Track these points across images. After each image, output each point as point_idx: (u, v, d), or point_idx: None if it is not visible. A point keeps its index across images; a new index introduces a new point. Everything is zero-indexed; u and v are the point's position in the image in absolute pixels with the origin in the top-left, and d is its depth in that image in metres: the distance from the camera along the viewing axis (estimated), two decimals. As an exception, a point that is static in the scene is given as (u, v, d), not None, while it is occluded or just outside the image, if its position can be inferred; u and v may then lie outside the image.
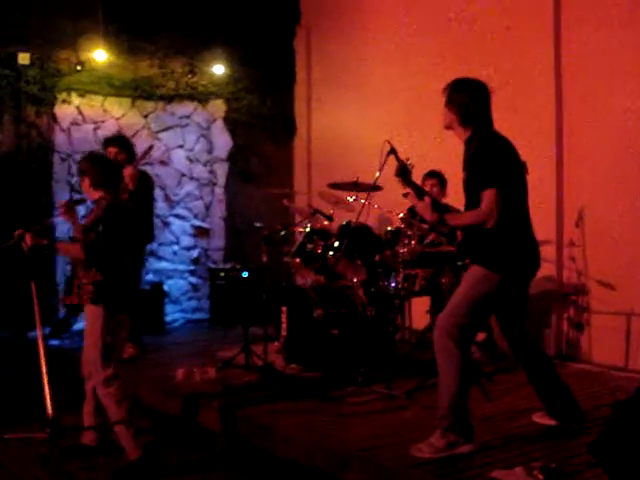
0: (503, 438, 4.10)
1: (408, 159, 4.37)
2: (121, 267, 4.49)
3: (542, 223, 6.41)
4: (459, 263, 5.66)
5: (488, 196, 3.86)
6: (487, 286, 3.95)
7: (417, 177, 6.19)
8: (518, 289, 4.15)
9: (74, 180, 8.19)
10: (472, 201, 3.97)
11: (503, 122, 5.71)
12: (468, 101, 4.03)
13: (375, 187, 5.54)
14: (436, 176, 6.32)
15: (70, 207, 4.62)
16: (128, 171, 6.26)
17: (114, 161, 6.43)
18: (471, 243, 4.09)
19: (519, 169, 4.08)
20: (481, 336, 6.67)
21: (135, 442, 4.31)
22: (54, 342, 7.44)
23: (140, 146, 7.27)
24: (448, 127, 4.16)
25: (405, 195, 4.38)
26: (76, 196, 6.65)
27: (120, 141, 6.73)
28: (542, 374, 4.26)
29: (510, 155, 4.04)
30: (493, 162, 3.93)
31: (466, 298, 3.97)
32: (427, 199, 4.10)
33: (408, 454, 3.85)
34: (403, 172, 4.25)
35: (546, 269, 6.45)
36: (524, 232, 4.08)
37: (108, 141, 6.75)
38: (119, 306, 4.50)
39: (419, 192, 4.23)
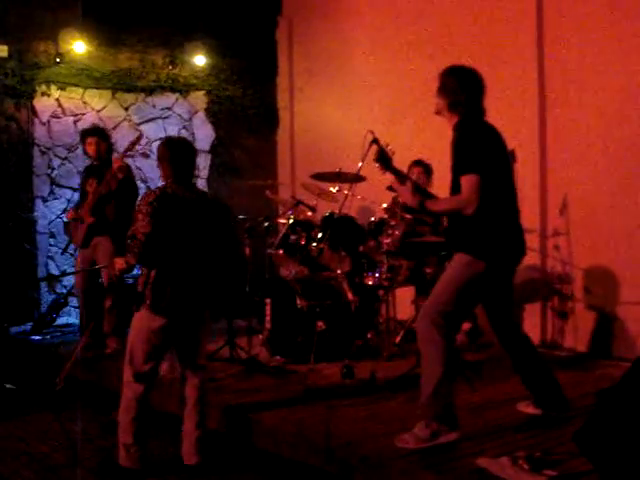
0: (488, 427, 4.09)
1: (388, 145, 4.36)
2: None
3: (526, 212, 6.34)
4: (443, 253, 5.65)
5: (468, 181, 3.84)
6: (471, 273, 3.93)
7: (401, 165, 6.22)
8: (503, 277, 4.13)
9: (54, 173, 8.12)
10: (456, 188, 3.95)
11: (486, 110, 5.67)
12: (458, 87, 4.01)
13: (358, 177, 5.52)
14: (422, 165, 6.29)
15: None
16: (117, 161, 6.25)
17: (95, 152, 6.46)
18: (455, 231, 4.07)
19: (504, 157, 4.06)
20: (466, 325, 6.68)
21: (124, 452, 4.17)
22: (36, 338, 7.38)
23: (122, 138, 7.23)
24: (438, 113, 4.14)
25: (389, 188, 4.35)
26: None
27: (99, 132, 6.64)
28: (528, 363, 4.25)
29: (494, 142, 4.01)
30: (475, 148, 3.90)
31: (450, 286, 3.95)
32: (409, 183, 4.10)
33: (393, 445, 3.84)
34: (382, 157, 4.26)
35: (530, 258, 6.43)
36: (509, 219, 4.06)
37: (87, 132, 6.66)
38: None
39: (400, 177, 4.23)
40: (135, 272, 4.44)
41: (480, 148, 3.91)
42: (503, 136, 4.08)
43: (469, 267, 3.93)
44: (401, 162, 6.25)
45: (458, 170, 3.91)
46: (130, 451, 4.15)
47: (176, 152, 4.32)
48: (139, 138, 6.63)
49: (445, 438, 3.83)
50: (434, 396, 3.84)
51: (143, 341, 4.13)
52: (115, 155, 6.62)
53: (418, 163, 6.28)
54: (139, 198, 4.33)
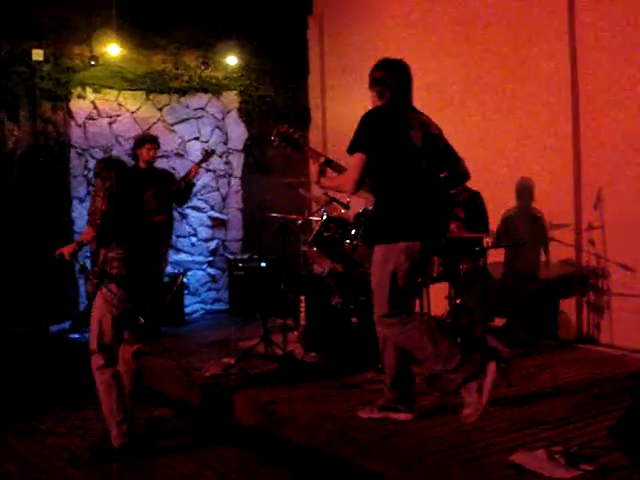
0: (523, 423, 4.07)
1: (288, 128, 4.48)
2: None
3: (560, 207, 6.44)
4: (477, 248, 5.65)
5: (351, 159, 3.98)
6: (394, 259, 3.99)
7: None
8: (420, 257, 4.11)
9: (90, 174, 8.23)
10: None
11: (519, 108, 5.77)
12: (384, 77, 4.14)
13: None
14: None
15: None
16: (196, 168, 7.25)
17: (152, 157, 7.12)
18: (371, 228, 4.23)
19: (402, 138, 4.04)
20: (500, 322, 6.68)
21: (120, 431, 4.35)
22: (75, 336, 7.50)
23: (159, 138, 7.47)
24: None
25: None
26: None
27: (156, 139, 7.27)
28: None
29: (388, 123, 4.03)
30: (362, 129, 4.01)
31: (381, 285, 4.04)
32: (320, 160, 4.30)
33: (424, 439, 3.87)
34: (286, 140, 4.44)
35: (565, 252, 6.46)
36: (412, 199, 4.04)
37: (148, 139, 7.23)
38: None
39: (314, 156, 4.41)
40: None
41: (367, 128, 4.01)
42: (421, 120, 4.15)
43: (389, 255, 4.01)
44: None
45: (348, 149, 4.02)
46: (123, 428, 4.35)
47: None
48: (213, 151, 7.52)
49: (398, 416, 4.13)
50: (393, 381, 4.16)
51: (111, 323, 4.40)
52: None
53: None
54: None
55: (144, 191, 6.75)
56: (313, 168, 4.32)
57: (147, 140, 7.22)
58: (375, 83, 4.18)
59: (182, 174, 7.48)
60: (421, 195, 4.07)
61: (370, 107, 4.21)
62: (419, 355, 4.06)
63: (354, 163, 3.96)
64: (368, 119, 4.05)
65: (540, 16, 6.50)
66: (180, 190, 7.21)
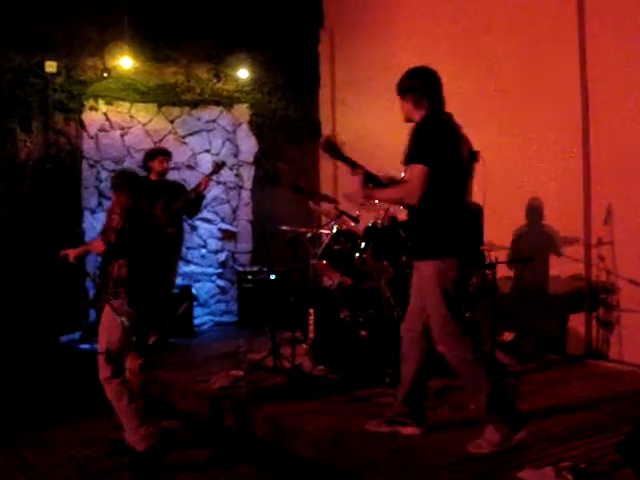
0: (531, 438, 4.06)
1: (334, 132, 4.37)
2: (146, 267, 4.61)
3: (570, 221, 6.44)
4: (486, 262, 5.66)
5: (415, 170, 3.86)
6: (448, 274, 3.92)
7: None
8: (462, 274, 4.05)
9: (102, 185, 8.28)
10: None
11: (529, 121, 5.77)
12: (420, 86, 4.08)
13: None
14: None
15: None
16: (206, 180, 7.33)
17: (164, 170, 7.25)
18: (414, 240, 4.08)
19: (458, 153, 4.00)
20: (509, 336, 6.67)
21: (140, 434, 4.39)
22: (85, 346, 7.53)
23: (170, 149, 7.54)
24: (407, 119, 4.15)
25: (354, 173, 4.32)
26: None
27: (169, 152, 7.42)
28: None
29: (448, 137, 3.98)
30: (426, 140, 3.92)
31: (438, 301, 3.92)
32: (359, 173, 4.14)
33: (437, 455, 3.86)
34: (329, 147, 4.32)
35: (575, 268, 6.45)
36: (461, 218, 4.02)
37: (161, 151, 7.40)
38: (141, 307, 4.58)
39: (352, 165, 4.25)
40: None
41: (431, 140, 3.91)
42: (464, 136, 4.09)
43: (442, 272, 3.92)
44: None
45: (407, 160, 3.93)
46: (142, 431, 4.37)
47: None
48: (224, 164, 7.63)
49: (515, 439, 3.87)
50: (492, 400, 3.87)
51: (120, 335, 4.45)
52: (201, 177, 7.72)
53: None
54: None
55: (154, 202, 6.80)
56: (356, 181, 4.19)
57: (159, 152, 7.32)
58: (410, 91, 4.10)
59: (193, 186, 7.51)
60: (468, 210, 4.10)
61: (406, 116, 4.16)
62: (470, 387, 4.01)
63: (418, 174, 3.84)
64: (430, 130, 3.96)
65: (550, 36, 6.52)
66: (191, 202, 7.26)
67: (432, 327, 4.02)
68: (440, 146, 3.91)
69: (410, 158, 3.92)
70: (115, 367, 4.47)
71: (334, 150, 4.28)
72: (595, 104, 6.26)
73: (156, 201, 6.89)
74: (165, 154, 7.31)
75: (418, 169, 3.85)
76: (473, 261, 4.15)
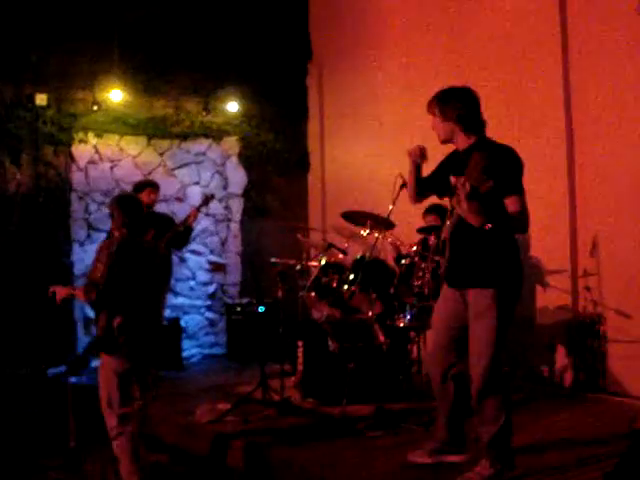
0: (519, 473, 4.07)
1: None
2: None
3: (556, 252, 6.48)
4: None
5: (518, 201, 3.79)
6: (506, 304, 3.92)
7: (418, 212, 6.28)
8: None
9: (91, 218, 8.30)
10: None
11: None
12: (467, 107, 4.01)
13: (389, 223, 5.60)
14: (436, 211, 6.30)
15: None
16: (195, 212, 7.34)
17: (151, 202, 7.21)
18: (472, 265, 3.98)
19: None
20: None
21: None
22: (73, 379, 7.48)
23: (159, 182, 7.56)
24: (446, 140, 4.11)
25: (420, 230, 4.29)
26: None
27: (156, 184, 7.41)
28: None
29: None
30: (518, 169, 3.88)
31: (490, 332, 3.89)
32: (476, 203, 3.81)
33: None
34: (423, 156, 4.28)
35: (562, 299, 6.48)
36: (516, 245, 4.04)
37: (149, 183, 7.40)
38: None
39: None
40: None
41: (520, 169, 3.90)
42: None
43: (502, 300, 3.89)
44: (430, 202, 6.37)
45: (500, 190, 3.75)
46: None
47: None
48: (213, 196, 7.63)
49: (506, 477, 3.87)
50: (497, 437, 3.87)
51: (117, 384, 4.33)
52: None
53: (432, 210, 6.27)
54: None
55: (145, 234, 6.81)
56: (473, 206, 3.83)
57: (147, 185, 7.32)
58: (454, 114, 4.01)
59: (182, 218, 7.53)
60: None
61: (443, 138, 4.12)
62: (488, 417, 3.95)
63: (523, 204, 3.81)
64: (518, 158, 3.91)
65: (536, 69, 6.61)
66: (179, 234, 7.26)
67: (474, 353, 3.96)
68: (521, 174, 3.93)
69: (511, 188, 3.82)
70: (120, 415, 4.38)
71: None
72: (580, 136, 6.33)
73: (145, 232, 6.90)
74: (153, 186, 7.31)
75: (521, 200, 3.81)
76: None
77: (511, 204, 3.79)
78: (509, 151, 3.94)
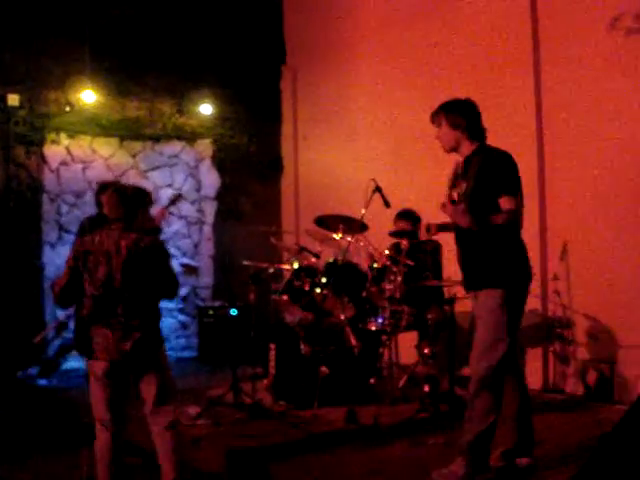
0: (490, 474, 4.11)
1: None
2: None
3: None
4: (446, 298, 5.75)
5: (511, 200, 3.95)
6: (513, 304, 4.01)
7: (391, 216, 6.33)
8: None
9: (62, 219, 8.25)
10: (478, 210, 4.00)
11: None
12: (472, 116, 4.19)
13: (362, 226, 5.63)
14: (408, 217, 6.36)
15: None
16: (163, 211, 6.87)
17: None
18: (480, 267, 4.09)
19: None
20: (468, 371, 6.71)
21: None
22: (43, 382, 7.43)
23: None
24: (452, 149, 4.24)
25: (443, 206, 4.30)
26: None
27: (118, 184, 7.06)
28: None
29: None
30: (513, 171, 4.04)
31: (497, 332, 3.99)
32: (462, 205, 4.07)
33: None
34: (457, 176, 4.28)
35: (531, 303, 6.50)
36: (522, 244, 4.17)
37: (110, 185, 6.99)
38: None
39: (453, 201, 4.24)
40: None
41: (516, 172, 4.06)
42: None
43: (505, 299, 3.98)
44: (402, 206, 6.41)
45: (493, 191, 3.98)
46: None
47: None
48: (180, 196, 7.35)
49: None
50: (480, 438, 3.94)
51: (97, 389, 4.01)
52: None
53: (403, 216, 6.34)
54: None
55: None
56: (458, 208, 4.07)
57: (111, 185, 7.10)
58: (462, 124, 4.17)
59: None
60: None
61: (452, 147, 4.23)
62: (476, 415, 4.00)
63: (516, 203, 3.97)
64: (513, 162, 4.08)
65: (507, 66, 6.68)
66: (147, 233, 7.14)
67: (476, 351, 4.06)
68: (518, 177, 4.08)
69: (506, 189, 3.98)
70: (103, 422, 4.05)
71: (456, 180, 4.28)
72: (551, 142, 6.40)
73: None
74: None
75: (515, 201, 3.97)
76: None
77: (503, 203, 3.96)
78: (504, 155, 4.11)
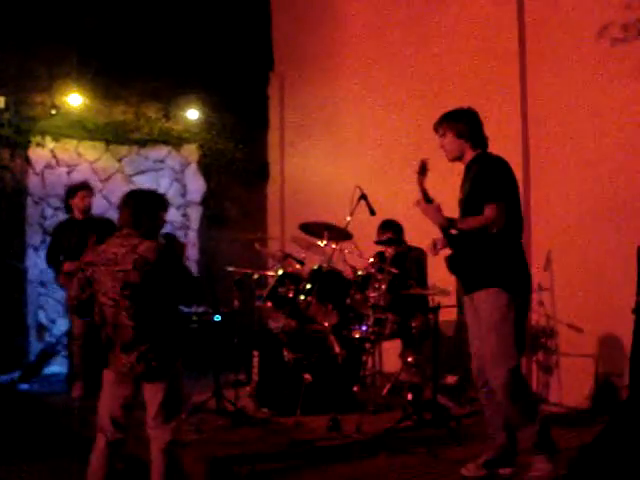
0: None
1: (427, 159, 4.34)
2: None
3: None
4: (430, 307, 5.75)
5: (493, 207, 3.98)
6: (516, 308, 4.03)
7: (376, 224, 6.33)
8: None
9: (46, 223, 8.19)
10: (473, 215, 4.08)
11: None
12: (476, 125, 4.26)
13: (345, 233, 5.62)
14: (392, 227, 6.38)
15: None
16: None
17: (87, 206, 6.79)
18: (481, 268, 4.11)
19: (517, 189, 4.21)
20: (452, 379, 6.73)
21: None
22: (23, 386, 7.37)
23: (114, 190, 7.42)
24: (455, 158, 4.30)
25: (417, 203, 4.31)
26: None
27: (90, 187, 6.98)
28: None
29: (513, 174, 4.18)
30: (501, 178, 4.08)
31: (505, 333, 4.00)
32: (437, 203, 4.15)
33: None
34: (423, 170, 4.30)
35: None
36: (521, 250, 4.20)
37: (81, 186, 6.94)
38: None
39: (426, 197, 4.27)
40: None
41: (506, 178, 4.11)
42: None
43: (510, 302, 4.01)
44: (387, 214, 6.42)
45: (481, 197, 4.03)
46: None
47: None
48: None
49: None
50: (541, 433, 3.97)
51: (106, 397, 3.99)
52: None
53: (387, 226, 6.36)
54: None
55: (85, 242, 6.58)
56: (432, 207, 4.16)
57: (79, 188, 6.88)
58: (466, 133, 4.24)
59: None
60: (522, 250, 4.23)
61: (455, 155, 4.29)
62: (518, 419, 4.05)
63: (497, 210, 3.98)
64: (505, 169, 4.13)
65: (494, 74, 6.70)
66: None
67: (489, 362, 4.07)
68: (512, 183, 4.13)
69: (490, 195, 4.01)
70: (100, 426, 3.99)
71: (423, 175, 4.29)
72: (536, 154, 6.43)
73: (86, 240, 6.39)
74: (86, 189, 6.87)
75: (497, 206, 3.98)
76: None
77: (486, 210, 4.00)
78: (497, 161, 4.17)
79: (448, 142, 4.28)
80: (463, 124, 4.24)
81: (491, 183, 4.05)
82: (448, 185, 4.58)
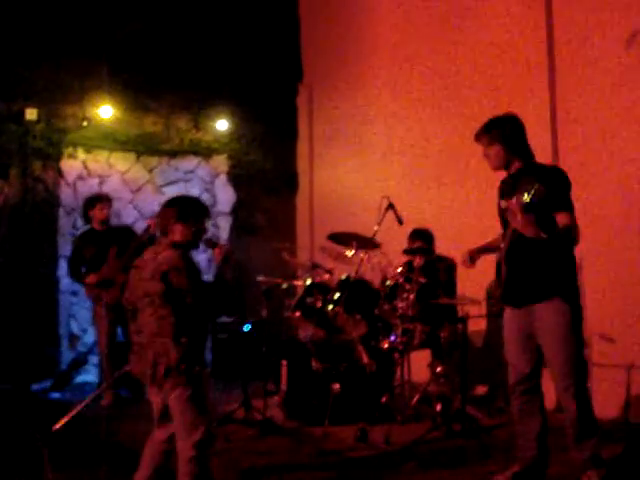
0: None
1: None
2: None
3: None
4: (459, 317, 5.71)
5: (569, 216, 3.91)
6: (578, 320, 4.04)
7: (404, 233, 6.31)
8: None
9: (78, 233, 8.28)
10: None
11: (495, 178, 5.82)
12: (521, 133, 4.16)
13: (374, 244, 5.61)
14: (421, 236, 6.34)
15: None
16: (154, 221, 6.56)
17: (106, 217, 6.89)
18: (544, 278, 4.02)
19: None
20: (481, 390, 6.68)
21: None
22: (55, 395, 7.44)
23: (145, 200, 7.48)
24: (500, 167, 4.20)
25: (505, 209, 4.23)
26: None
27: (109, 198, 7.07)
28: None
29: None
30: (567, 187, 4.02)
31: (574, 348, 3.98)
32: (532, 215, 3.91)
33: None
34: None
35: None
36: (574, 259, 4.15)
37: (99, 198, 7.04)
38: None
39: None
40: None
41: (570, 188, 4.04)
42: None
43: (575, 315, 4.00)
44: (416, 224, 6.40)
45: (549, 207, 3.88)
46: None
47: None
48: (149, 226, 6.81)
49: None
50: (597, 445, 3.96)
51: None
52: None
53: (417, 236, 6.31)
54: None
55: (104, 253, 6.68)
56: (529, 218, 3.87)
57: (97, 200, 6.98)
58: (514, 142, 4.15)
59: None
60: None
61: (501, 164, 4.21)
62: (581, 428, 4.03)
63: (573, 219, 3.95)
64: (568, 179, 4.07)
65: (522, 80, 6.66)
66: (145, 245, 6.90)
67: (557, 375, 4.03)
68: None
69: (563, 205, 3.95)
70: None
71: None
72: (565, 163, 6.36)
73: (107, 250, 6.69)
74: (104, 200, 6.97)
75: (571, 216, 3.94)
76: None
77: (561, 219, 3.90)
78: (557, 171, 4.12)
79: (491, 151, 4.15)
80: (508, 130, 4.13)
81: (563, 192, 3.97)
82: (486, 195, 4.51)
